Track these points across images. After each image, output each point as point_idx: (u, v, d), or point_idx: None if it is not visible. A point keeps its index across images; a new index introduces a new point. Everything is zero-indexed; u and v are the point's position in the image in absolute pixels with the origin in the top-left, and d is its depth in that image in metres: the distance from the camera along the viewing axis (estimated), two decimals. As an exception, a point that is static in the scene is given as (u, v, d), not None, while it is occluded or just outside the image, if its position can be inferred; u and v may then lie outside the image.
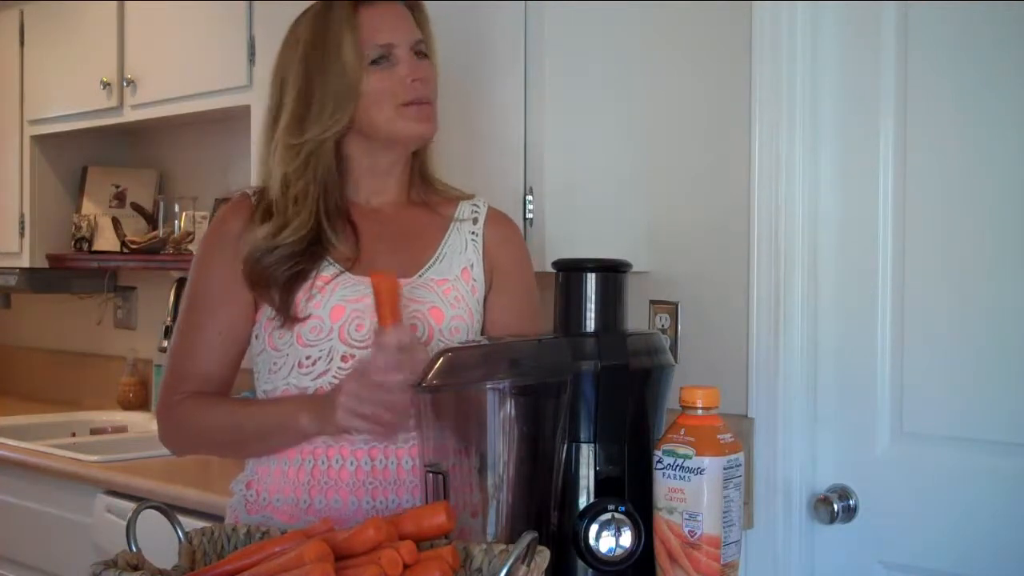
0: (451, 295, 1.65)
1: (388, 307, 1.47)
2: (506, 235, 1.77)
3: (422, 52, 1.68)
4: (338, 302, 1.60)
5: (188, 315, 1.68)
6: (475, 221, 1.74)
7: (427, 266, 1.68)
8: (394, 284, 1.49)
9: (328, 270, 1.62)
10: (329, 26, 1.64)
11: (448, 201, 1.74)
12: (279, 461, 1.64)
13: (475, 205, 1.76)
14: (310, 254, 1.62)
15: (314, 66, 1.64)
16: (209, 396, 1.66)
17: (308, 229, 1.62)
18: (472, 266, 1.70)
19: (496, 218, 1.77)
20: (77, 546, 2.70)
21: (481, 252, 1.72)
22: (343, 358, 1.59)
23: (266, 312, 1.63)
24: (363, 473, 1.60)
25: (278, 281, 1.61)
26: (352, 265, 1.64)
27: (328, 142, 1.65)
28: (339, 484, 1.60)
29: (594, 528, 1.39)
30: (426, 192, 1.74)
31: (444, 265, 1.69)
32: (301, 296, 1.60)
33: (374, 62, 1.64)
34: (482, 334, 1.71)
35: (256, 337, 1.66)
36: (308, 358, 1.60)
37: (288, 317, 1.60)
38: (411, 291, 1.64)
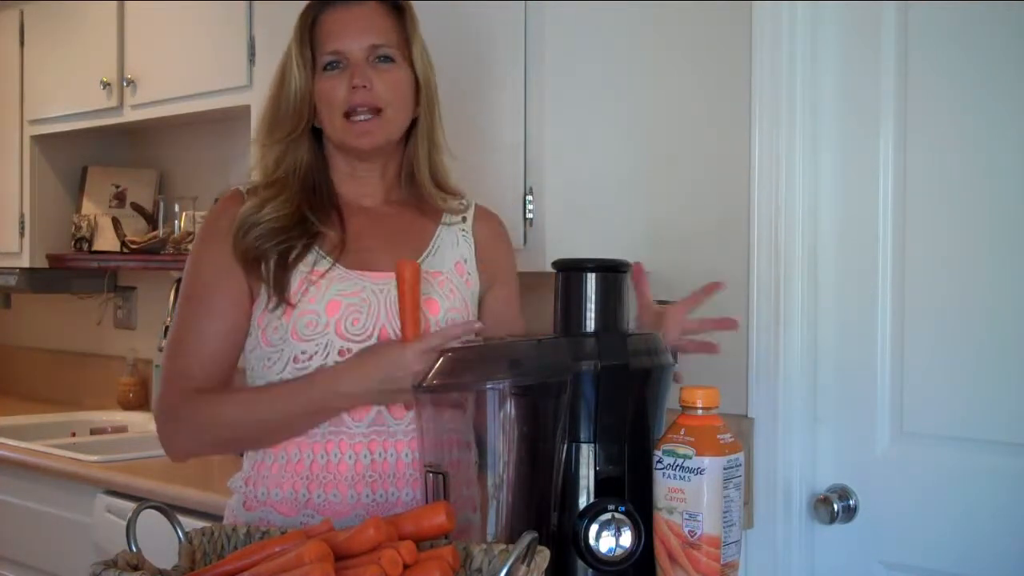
0: (446, 287, 1.67)
1: (410, 301, 1.53)
2: (496, 231, 1.81)
3: (386, 56, 1.66)
4: (334, 296, 1.61)
5: (184, 310, 1.67)
6: (464, 219, 1.76)
7: (421, 259, 1.68)
8: (416, 271, 1.54)
9: (321, 264, 1.63)
10: (294, 32, 1.68)
11: (436, 207, 1.74)
12: (277, 457, 1.64)
13: (461, 203, 1.77)
14: (298, 233, 1.63)
15: (283, 71, 1.69)
16: (215, 391, 1.63)
17: (290, 209, 1.64)
18: (465, 260, 1.72)
19: (485, 215, 1.80)
20: (77, 546, 2.70)
21: (473, 248, 1.74)
22: (340, 352, 1.59)
23: (260, 304, 1.63)
24: (362, 467, 1.61)
25: (268, 256, 1.62)
26: (340, 255, 1.64)
27: (298, 142, 1.68)
28: (338, 478, 1.60)
29: (594, 528, 1.39)
30: (415, 194, 1.74)
31: (437, 259, 1.70)
32: (299, 285, 1.61)
33: (326, 68, 1.66)
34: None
35: (250, 333, 1.65)
36: (304, 353, 1.60)
37: (282, 298, 1.60)
38: None
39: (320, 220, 1.65)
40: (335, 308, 1.60)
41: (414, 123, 1.71)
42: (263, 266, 1.62)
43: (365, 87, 1.63)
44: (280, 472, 1.63)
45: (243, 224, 1.63)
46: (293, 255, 1.62)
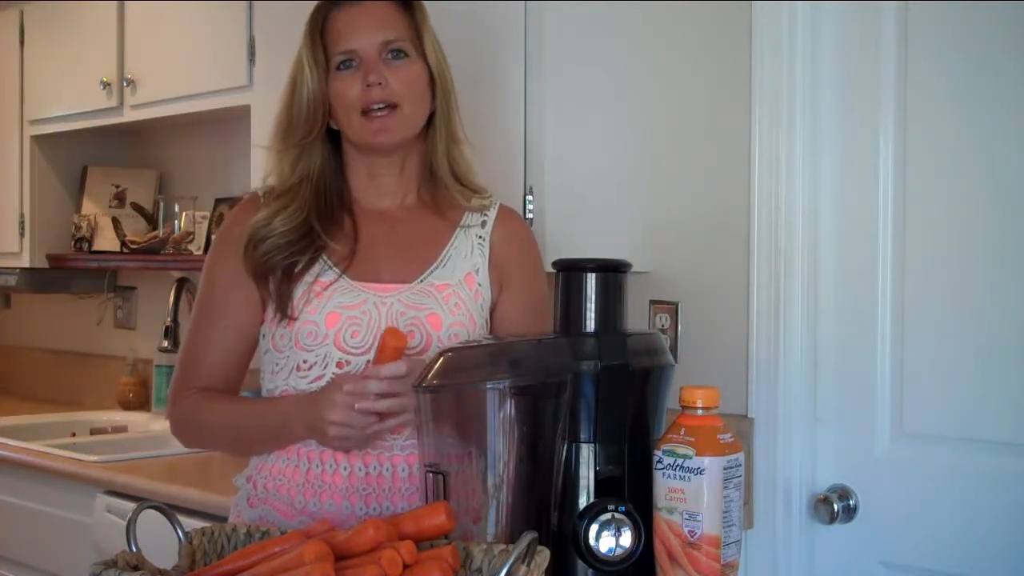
0: (451, 301, 1.65)
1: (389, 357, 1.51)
2: (513, 232, 1.76)
3: (400, 50, 1.66)
4: (334, 308, 1.60)
5: (198, 314, 1.71)
6: (483, 224, 1.73)
7: (429, 271, 1.67)
8: (402, 342, 1.52)
9: (327, 275, 1.63)
10: (304, 34, 1.68)
11: (458, 204, 1.73)
12: (278, 459, 1.65)
13: (484, 200, 1.75)
14: (304, 246, 1.63)
15: (294, 75, 1.69)
16: (213, 393, 1.67)
17: (299, 220, 1.64)
18: (477, 271, 1.70)
19: (505, 216, 1.77)
20: (77, 546, 2.70)
21: (488, 256, 1.71)
22: (339, 364, 1.60)
23: (270, 312, 1.64)
24: (356, 479, 1.60)
25: (275, 270, 1.62)
26: (348, 266, 1.64)
27: (313, 146, 1.68)
28: (332, 488, 1.61)
29: (594, 528, 1.39)
30: (435, 193, 1.73)
31: (447, 270, 1.68)
32: (301, 296, 1.61)
33: (340, 68, 1.65)
34: (490, 333, 1.70)
35: (263, 336, 1.67)
36: (305, 362, 1.61)
37: (284, 313, 1.60)
38: (410, 297, 1.63)
39: (330, 231, 1.65)
40: (334, 320, 1.60)
41: (431, 118, 1.70)
42: (270, 277, 1.63)
43: (380, 84, 1.63)
44: (280, 473, 1.64)
45: (253, 237, 1.64)
46: (298, 269, 1.62)
